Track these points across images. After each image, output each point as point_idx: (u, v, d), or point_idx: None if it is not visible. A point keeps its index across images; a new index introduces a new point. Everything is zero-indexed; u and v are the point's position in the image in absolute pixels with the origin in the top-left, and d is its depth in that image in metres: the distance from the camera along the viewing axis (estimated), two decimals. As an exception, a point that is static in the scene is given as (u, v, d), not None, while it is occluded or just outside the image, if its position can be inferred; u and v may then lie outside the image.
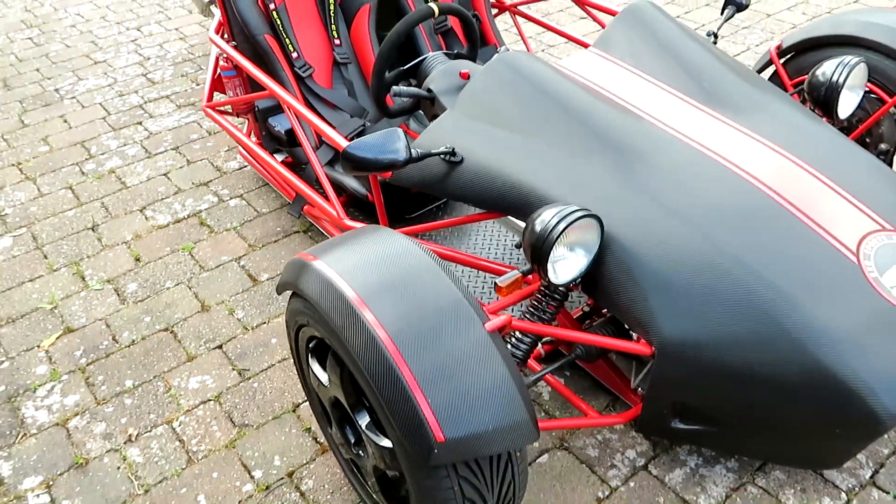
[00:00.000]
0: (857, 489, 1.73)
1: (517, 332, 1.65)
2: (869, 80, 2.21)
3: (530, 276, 1.74)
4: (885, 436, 1.84)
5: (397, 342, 1.26)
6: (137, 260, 2.58)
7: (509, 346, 1.65)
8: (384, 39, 2.01)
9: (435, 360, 1.27)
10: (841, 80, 1.90)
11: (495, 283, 1.56)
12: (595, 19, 2.77)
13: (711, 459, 1.81)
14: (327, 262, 1.43)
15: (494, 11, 3.22)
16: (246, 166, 3.05)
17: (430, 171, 1.83)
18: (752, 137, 1.74)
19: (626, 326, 1.70)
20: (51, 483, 1.85)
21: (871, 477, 1.76)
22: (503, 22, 4.21)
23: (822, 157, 1.70)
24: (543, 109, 1.79)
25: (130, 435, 1.96)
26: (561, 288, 1.62)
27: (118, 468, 1.88)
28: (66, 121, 3.47)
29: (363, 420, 1.49)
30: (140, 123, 3.41)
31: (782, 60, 2.43)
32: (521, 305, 2.07)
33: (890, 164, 2.29)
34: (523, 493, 1.46)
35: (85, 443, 1.95)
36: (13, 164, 3.16)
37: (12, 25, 4.60)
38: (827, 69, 1.92)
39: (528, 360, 1.74)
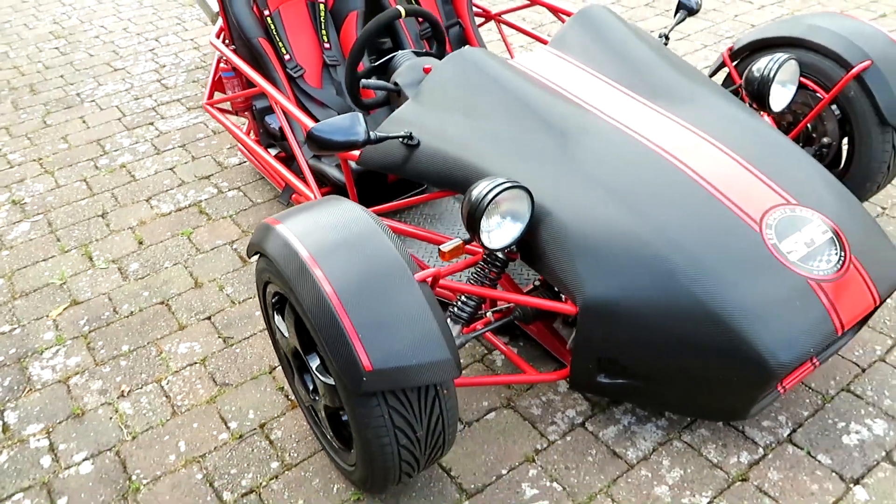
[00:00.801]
0: (773, 445, 1.89)
1: (462, 296, 1.84)
2: (810, 79, 2.38)
3: (473, 245, 1.93)
4: (807, 399, 1.99)
5: (339, 292, 1.47)
6: (140, 243, 2.82)
7: (455, 308, 1.84)
8: (356, 37, 2.24)
9: (369, 306, 1.47)
10: (771, 75, 2.07)
11: (439, 248, 1.75)
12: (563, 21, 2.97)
13: (644, 418, 1.98)
14: (287, 226, 1.64)
15: (479, 21, 3.44)
16: (245, 161, 3.29)
17: (392, 154, 2.04)
18: (679, 124, 1.92)
19: (556, 289, 1.89)
20: (50, 430, 2.08)
21: (789, 435, 1.91)
22: (489, 30, 4.43)
23: (742, 142, 1.88)
24: (492, 98, 1.99)
25: (123, 391, 2.18)
26: (499, 254, 1.81)
27: (110, 418, 2.09)
28: (84, 121, 3.75)
29: (314, 363, 1.69)
30: (152, 124, 3.68)
31: (735, 62, 2.61)
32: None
33: (834, 156, 2.45)
34: (454, 432, 1.64)
35: (83, 397, 2.17)
36: (34, 160, 3.44)
37: (41, 36, 4.93)
38: (760, 65, 2.09)
39: (479, 325, 1.93)
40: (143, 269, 2.68)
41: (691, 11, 2.51)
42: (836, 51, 2.28)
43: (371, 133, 1.88)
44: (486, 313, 1.96)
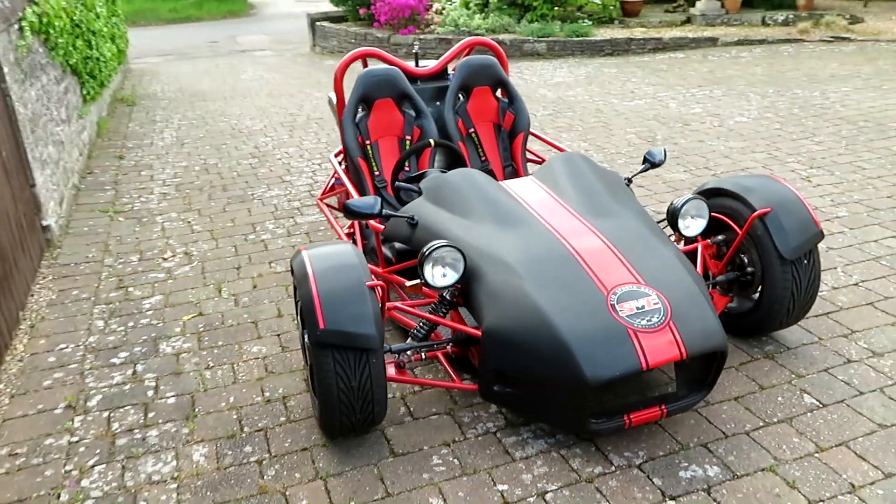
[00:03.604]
0: (624, 466, 2.50)
1: (420, 321, 2.75)
2: (730, 219, 3.08)
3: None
4: (668, 445, 2.58)
5: (318, 286, 2.44)
6: (254, 287, 4.00)
7: (415, 331, 2.74)
8: (399, 157, 3.35)
9: (332, 294, 2.43)
10: (678, 207, 2.88)
11: (405, 284, 2.70)
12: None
13: (539, 435, 2.67)
14: (308, 252, 2.67)
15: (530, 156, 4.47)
16: (343, 247, 4.45)
17: (402, 230, 3.06)
18: (586, 226, 2.77)
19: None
20: (158, 378, 3.17)
21: (640, 464, 2.52)
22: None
23: (625, 242, 2.69)
24: (468, 199, 2.97)
25: (209, 365, 3.25)
26: (445, 295, 2.72)
27: (195, 378, 3.15)
28: (249, 211, 5.18)
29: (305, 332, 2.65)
30: (292, 217, 5.01)
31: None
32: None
33: (756, 281, 3.06)
34: (381, 399, 2.48)
35: (184, 365, 3.26)
36: (209, 230, 4.85)
37: (243, 155, 6.68)
38: (676, 202, 2.91)
39: (443, 356, 2.80)
40: (249, 301, 3.83)
41: (653, 165, 3.36)
42: (748, 198, 3.01)
43: (384, 211, 2.92)
44: (436, 344, 2.81)
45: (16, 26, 4.52)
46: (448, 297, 2.77)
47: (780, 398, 2.84)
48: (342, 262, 2.56)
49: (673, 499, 2.36)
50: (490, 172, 4.09)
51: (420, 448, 2.65)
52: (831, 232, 4.27)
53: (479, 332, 2.57)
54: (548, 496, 2.40)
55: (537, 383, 2.45)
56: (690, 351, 2.37)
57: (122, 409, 2.96)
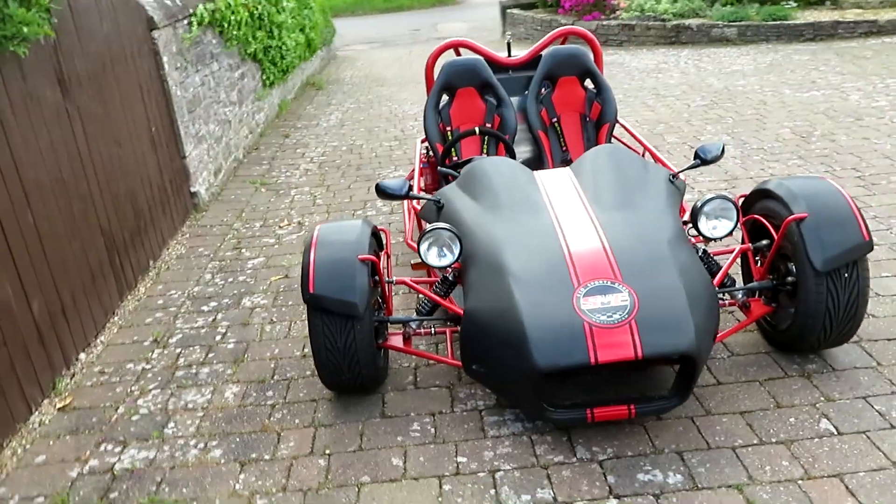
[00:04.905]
0: (585, 460, 2.51)
1: (422, 298, 2.94)
2: (772, 223, 2.86)
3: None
4: (640, 448, 2.53)
5: (317, 253, 2.74)
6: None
7: (419, 305, 2.94)
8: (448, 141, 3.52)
9: (327, 264, 2.71)
10: (698, 206, 2.78)
11: (411, 262, 2.91)
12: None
13: (518, 419, 2.74)
14: (320, 226, 2.96)
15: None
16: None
17: (431, 211, 3.25)
18: (590, 219, 2.78)
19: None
20: (229, 326, 3.67)
21: (602, 460, 2.50)
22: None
23: (621, 238, 2.67)
24: (489, 187, 3.08)
25: (272, 320, 3.70)
26: (448, 277, 2.88)
27: (258, 330, 3.61)
28: (368, 190, 5.61)
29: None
30: (402, 197, 5.36)
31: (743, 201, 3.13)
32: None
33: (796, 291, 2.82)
34: (368, 362, 2.72)
35: (253, 318, 3.75)
36: (326, 205, 5.37)
37: (388, 138, 7.15)
38: (698, 201, 2.80)
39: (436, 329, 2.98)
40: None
41: (704, 161, 3.18)
42: (788, 201, 2.78)
43: (410, 192, 3.12)
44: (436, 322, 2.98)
45: (184, 21, 5.34)
46: (450, 278, 2.92)
47: (792, 419, 2.62)
48: (344, 236, 2.83)
49: (617, 497, 2.34)
50: (569, 163, 4.10)
51: (408, 414, 2.85)
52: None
53: (461, 312, 2.70)
54: (498, 474, 2.49)
55: (500, 366, 2.53)
56: (647, 352, 2.31)
57: (191, 348, 3.51)
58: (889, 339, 3.03)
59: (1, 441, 2.79)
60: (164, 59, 4.86)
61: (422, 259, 2.80)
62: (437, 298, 2.86)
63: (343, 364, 2.74)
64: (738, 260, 3.18)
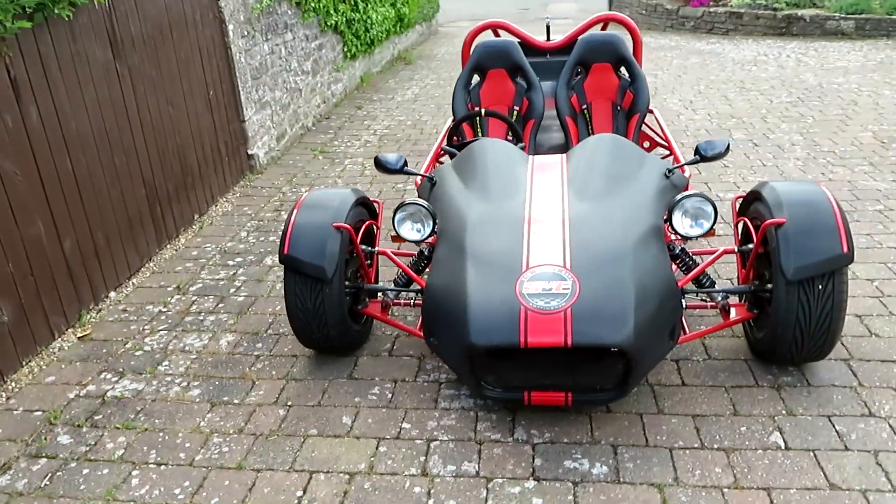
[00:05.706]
0: (521, 441, 2.56)
1: (399, 270, 3.06)
2: (755, 225, 2.76)
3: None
4: (585, 439, 2.55)
5: (297, 216, 2.91)
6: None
7: (396, 278, 3.07)
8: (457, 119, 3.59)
9: (303, 229, 2.87)
10: (675, 201, 2.73)
11: (390, 234, 3.03)
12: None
13: (471, 396, 2.82)
14: (308, 193, 3.12)
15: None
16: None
17: (426, 187, 3.34)
18: (562, 205, 2.80)
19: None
20: (246, 281, 3.94)
21: (536, 443, 2.54)
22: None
23: (586, 226, 2.68)
24: (478, 167, 3.13)
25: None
26: (423, 251, 2.99)
27: (268, 286, 3.85)
28: (416, 164, 5.75)
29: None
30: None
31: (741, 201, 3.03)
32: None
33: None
34: (336, 324, 2.87)
35: (269, 275, 3.99)
36: (369, 174, 5.55)
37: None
38: (676, 196, 2.76)
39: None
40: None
41: (703, 158, 3.08)
42: (772, 206, 2.67)
43: (405, 168, 3.23)
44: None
45: (257, -9, 5.63)
46: (426, 253, 3.01)
47: (743, 428, 2.55)
48: (326, 203, 2.98)
49: (537, 480, 2.38)
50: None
51: (373, 378, 2.99)
52: None
53: (422, 285, 2.80)
54: (434, 443, 2.59)
55: (447, 340, 2.61)
56: (576, 341, 2.32)
57: (206, 297, 3.79)
58: (883, 361, 2.86)
59: (21, 359, 3.17)
60: (230, 26, 5.16)
61: (394, 230, 2.92)
62: (409, 271, 2.97)
63: (312, 324, 2.91)
64: (738, 263, 3.08)
